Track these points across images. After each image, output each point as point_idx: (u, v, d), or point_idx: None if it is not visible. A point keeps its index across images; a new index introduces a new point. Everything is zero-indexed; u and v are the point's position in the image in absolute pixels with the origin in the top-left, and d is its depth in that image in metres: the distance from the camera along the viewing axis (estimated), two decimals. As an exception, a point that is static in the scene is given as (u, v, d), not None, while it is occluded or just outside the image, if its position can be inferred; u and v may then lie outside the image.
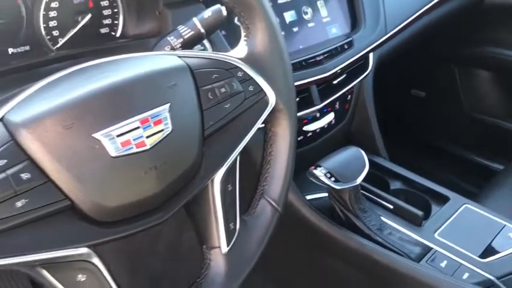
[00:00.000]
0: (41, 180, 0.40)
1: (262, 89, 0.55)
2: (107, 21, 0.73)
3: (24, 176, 0.39)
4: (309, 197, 0.86)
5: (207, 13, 0.61)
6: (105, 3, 0.72)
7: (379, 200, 0.87)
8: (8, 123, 0.40)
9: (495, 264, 0.74)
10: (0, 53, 0.64)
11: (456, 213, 0.85)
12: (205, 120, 0.50)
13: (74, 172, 0.41)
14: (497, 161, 1.38)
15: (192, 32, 0.61)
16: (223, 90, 0.52)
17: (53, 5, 0.67)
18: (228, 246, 0.54)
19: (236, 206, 0.55)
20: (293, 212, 0.83)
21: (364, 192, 0.86)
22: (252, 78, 0.55)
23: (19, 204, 0.39)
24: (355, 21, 0.97)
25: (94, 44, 0.72)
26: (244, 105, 0.54)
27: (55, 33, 0.68)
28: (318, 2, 0.92)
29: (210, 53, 0.54)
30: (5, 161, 0.39)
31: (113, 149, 0.43)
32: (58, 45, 0.68)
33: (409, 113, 1.32)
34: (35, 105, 0.42)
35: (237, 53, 0.56)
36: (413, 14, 1.06)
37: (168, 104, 0.47)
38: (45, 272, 0.41)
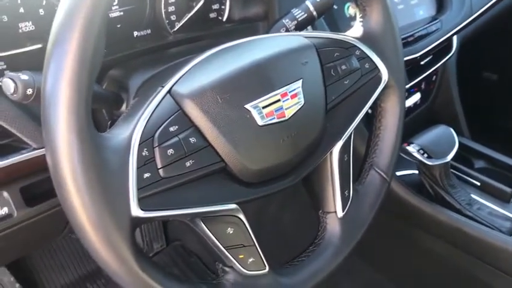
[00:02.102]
0: (204, 144, 0.46)
1: (377, 67, 0.60)
2: (215, 6, 0.79)
3: (192, 140, 0.45)
4: (398, 173, 0.90)
5: (315, -2, 0.66)
6: (214, -11, 0.78)
7: (466, 177, 0.90)
8: (175, 95, 0.46)
9: None
10: (127, 36, 0.71)
11: (544, 191, 0.86)
12: (328, 95, 0.55)
13: (229, 138, 0.47)
14: None
15: (306, 15, 0.66)
16: (343, 67, 0.57)
17: (172, -9, 0.73)
18: (343, 212, 0.59)
19: (350, 175, 0.60)
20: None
21: (451, 169, 0.89)
22: (368, 56, 0.59)
23: (188, 164, 0.45)
24: (441, 3, 1.00)
25: (204, 28, 0.77)
26: (361, 81, 0.59)
27: (173, 17, 0.74)
28: (407, -15, 0.95)
29: (331, 33, 0.59)
30: (176, 127, 0.45)
31: (259, 118, 0.48)
32: (175, 29, 0.75)
33: (485, 95, 1.32)
34: (196, 78, 0.48)
35: (354, 33, 0.61)
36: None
37: (301, 80, 0.52)
38: (202, 224, 0.48)
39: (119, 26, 0.68)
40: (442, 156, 0.81)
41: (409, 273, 0.94)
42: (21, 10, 0.59)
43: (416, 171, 0.88)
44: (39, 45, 0.62)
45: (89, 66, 0.39)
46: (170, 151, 0.44)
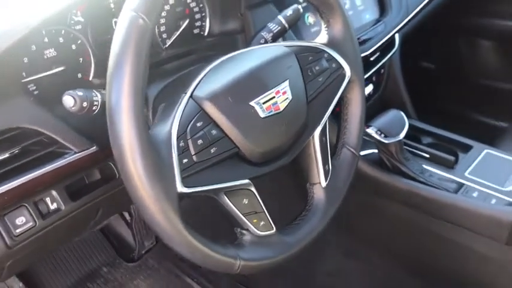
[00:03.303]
0: (222, 135, 0.60)
1: (341, 66, 0.75)
2: (198, 24, 0.92)
3: (213, 132, 0.59)
4: (361, 153, 1.06)
5: (289, 11, 0.81)
6: (196, 10, 0.91)
7: (416, 151, 1.08)
8: (196, 98, 0.60)
9: (515, 191, 0.95)
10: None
11: (480, 157, 1.05)
12: (308, 90, 0.70)
13: (239, 129, 0.61)
14: (500, 119, 1.58)
15: (279, 27, 0.80)
16: (317, 68, 0.72)
17: (163, 13, 0.86)
18: (325, 182, 0.74)
19: (328, 153, 0.75)
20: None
21: (404, 146, 1.07)
22: (334, 58, 0.75)
23: (212, 150, 0.59)
24: (382, 7, 1.17)
25: (190, 43, 0.91)
26: (331, 78, 0.74)
27: (164, 35, 0.87)
28: (354, -6, 1.12)
29: (304, 42, 0.75)
30: (201, 122, 0.59)
31: (261, 112, 0.63)
32: (166, 45, 0.88)
33: (426, 82, 1.52)
34: (209, 84, 0.61)
35: (321, 40, 0.76)
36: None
37: (288, 80, 0.67)
38: (225, 197, 0.61)
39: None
40: (396, 135, 0.98)
41: (377, 235, 1.11)
42: (46, 40, 0.71)
43: (376, 150, 1.04)
44: (62, 68, 0.73)
45: (142, 83, 0.52)
46: (199, 141, 0.58)
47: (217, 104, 0.60)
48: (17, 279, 1.19)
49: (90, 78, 0.77)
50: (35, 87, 0.71)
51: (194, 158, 0.57)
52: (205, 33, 0.94)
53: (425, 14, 1.28)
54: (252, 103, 0.62)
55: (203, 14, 0.92)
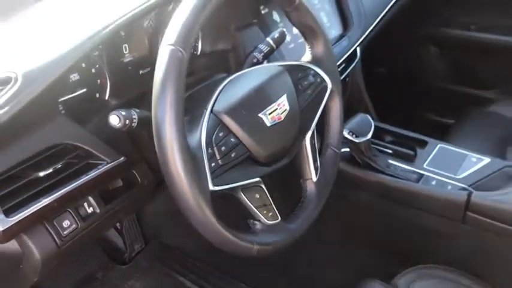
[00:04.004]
0: (238, 142, 0.73)
1: (324, 79, 0.90)
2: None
3: (232, 140, 0.72)
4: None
5: (276, 34, 0.95)
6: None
7: (382, 148, 1.24)
8: (216, 113, 0.72)
9: (466, 177, 1.12)
10: (136, 75, 0.94)
11: (435, 151, 1.22)
12: (299, 102, 0.84)
13: (252, 136, 0.74)
14: (448, 117, 1.80)
15: (268, 48, 0.94)
16: (305, 82, 0.87)
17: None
18: (316, 177, 0.88)
19: (317, 153, 0.90)
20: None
21: (372, 144, 1.23)
22: (318, 73, 0.89)
23: (232, 155, 0.72)
24: (345, 24, 1.34)
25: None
26: (317, 90, 0.89)
27: None
28: (321, 13, 1.27)
29: (292, 61, 0.89)
30: (222, 133, 0.71)
31: (268, 122, 0.76)
32: None
33: (383, 87, 1.70)
34: (225, 100, 0.74)
35: (306, 59, 0.90)
36: (381, 12, 1.44)
37: (285, 94, 0.80)
38: (241, 193, 0.74)
39: (130, 68, 0.92)
40: (365, 135, 1.14)
41: (351, 223, 1.27)
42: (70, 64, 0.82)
43: (348, 149, 1.20)
44: (84, 89, 0.84)
45: (181, 105, 0.64)
46: (223, 148, 0.71)
47: (233, 116, 0.73)
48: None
49: (106, 98, 0.88)
50: (61, 108, 0.81)
51: (219, 162, 0.70)
52: (198, 53, 1.06)
53: (380, 27, 1.46)
54: (260, 115, 0.76)
55: (196, 37, 1.05)
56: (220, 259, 1.40)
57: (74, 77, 0.82)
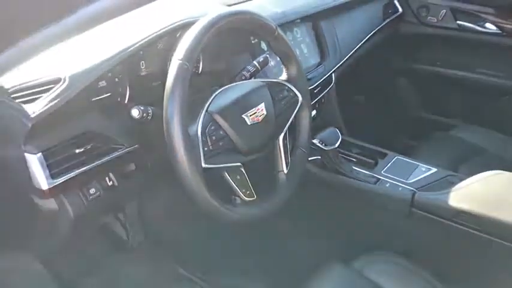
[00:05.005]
0: (225, 135, 0.98)
1: (296, 94, 1.15)
2: (194, 65, 1.30)
3: (221, 132, 0.97)
4: (310, 159, 1.46)
5: (261, 58, 1.21)
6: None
7: (347, 157, 1.49)
8: (210, 112, 0.97)
9: (414, 182, 1.36)
10: (150, 86, 1.19)
11: (392, 161, 1.46)
12: (275, 110, 1.09)
13: (236, 131, 0.99)
14: (411, 139, 2.05)
15: (254, 69, 1.20)
16: (280, 95, 1.12)
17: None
18: (286, 169, 1.13)
19: (288, 151, 1.14)
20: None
21: (340, 154, 1.48)
22: (291, 89, 1.15)
23: (220, 143, 0.96)
24: (322, 54, 1.60)
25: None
26: (289, 103, 1.14)
27: None
28: (302, 45, 1.54)
29: (271, 79, 1.14)
30: (213, 127, 0.96)
31: (249, 121, 1.01)
32: None
33: (356, 108, 1.96)
34: (216, 103, 0.99)
35: (283, 78, 1.16)
36: (355, 46, 1.71)
37: (264, 103, 1.06)
38: (226, 173, 0.99)
39: (145, 80, 1.17)
40: (333, 144, 1.38)
41: (317, 215, 1.51)
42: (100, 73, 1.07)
43: (319, 156, 1.44)
44: (109, 94, 1.09)
45: (185, 104, 0.89)
46: (213, 137, 0.95)
47: (222, 115, 0.98)
48: (38, 263, 1.48)
49: (126, 102, 1.13)
50: (93, 105, 1.06)
51: (210, 147, 0.95)
52: (199, 72, 1.32)
53: (354, 58, 1.73)
54: (243, 115, 1.01)
55: (198, 58, 1.31)
56: (213, 252, 1.63)
57: (102, 83, 1.07)
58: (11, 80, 0.91)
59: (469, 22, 1.89)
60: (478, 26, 1.88)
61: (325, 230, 1.51)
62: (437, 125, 2.05)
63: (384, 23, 1.90)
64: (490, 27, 1.86)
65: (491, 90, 1.96)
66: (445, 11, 1.92)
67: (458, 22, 1.91)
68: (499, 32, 1.85)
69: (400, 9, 1.98)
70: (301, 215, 1.52)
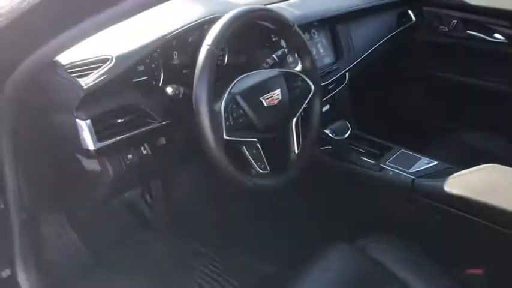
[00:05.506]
0: (244, 113, 1.13)
1: (309, 83, 1.30)
2: (221, 57, 1.46)
3: (240, 111, 1.12)
4: (321, 148, 1.60)
5: (279, 53, 1.37)
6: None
7: (356, 148, 1.63)
8: (232, 93, 1.13)
9: (415, 172, 1.48)
10: (181, 73, 1.36)
11: (397, 153, 1.59)
12: (289, 96, 1.24)
13: (253, 111, 1.14)
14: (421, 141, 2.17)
15: (273, 61, 1.35)
16: (295, 84, 1.27)
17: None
18: (298, 150, 1.27)
19: (300, 134, 1.29)
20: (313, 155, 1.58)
21: (350, 145, 1.62)
22: (305, 79, 1.30)
23: (240, 120, 1.12)
24: (337, 54, 1.75)
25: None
26: (302, 91, 1.28)
27: None
28: (318, 45, 1.69)
29: (287, 70, 1.30)
30: (235, 106, 1.12)
31: (265, 103, 1.16)
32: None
33: (367, 105, 2.10)
34: (239, 86, 1.15)
35: (298, 69, 1.31)
36: (368, 50, 1.86)
37: (279, 89, 1.21)
38: (244, 147, 1.14)
39: (176, 67, 1.33)
40: (342, 135, 1.53)
41: (326, 199, 1.64)
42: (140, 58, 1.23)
43: (330, 146, 1.58)
44: (146, 77, 1.25)
45: (212, 84, 1.05)
46: (234, 115, 1.11)
47: (243, 96, 1.14)
48: (72, 230, 1.65)
49: (160, 85, 1.29)
50: (133, 84, 1.22)
51: (232, 123, 1.10)
52: (225, 64, 1.47)
53: (367, 61, 1.87)
54: (260, 98, 1.16)
55: (223, 52, 1.47)
56: (229, 232, 1.78)
57: (141, 68, 1.24)
58: (68, 57, 1.07)
59: (478, 32, 2.01)
60: (487, 35, 2.00)
61: (331, 212, 1.64)
62: (444, 129, 2.16)
63: (397, 31, 2.04)
64: (499, 36, 1.98)
65: (499, 97, 2.07)
66: (456, 21, 2.04)
67: (468, 32, 2.03)
68: (507, 41, 1.96)
69: (414, 19, 2.11)
70: (311, 198, 1.66)
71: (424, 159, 1.55)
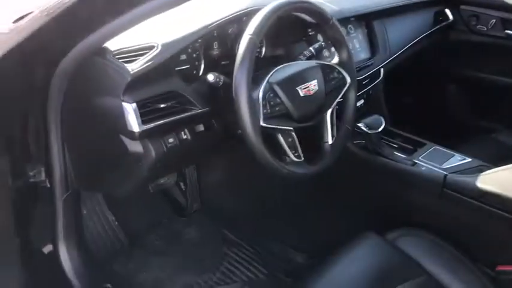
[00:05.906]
0: (280, 102, 1.16)
1: (344, 76, 1.32)
2: (258, 50, 1.50)
3: (277, 99, 1.16)
4: (355, 142, 1.63)
5: (316, 45, 1.40)
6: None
7: (389, 143, 1.64)
8: (269, 83, 1.17)
9: (448, 168, 1.49)
10: (217, 63, 1.40)
11: (430, 150, 1.60)
12: (326, 87, 1.27)
13: (289, 100, 1.17)
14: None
15: (310, 54, 1.39)
16: (331, 76, 1.30)
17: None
18: (332, 141, 1.30)
19: (334, 126, 1.32)
20: (347, 148, 1.60)
21: (382, 140, 1.63)
22: (341, 72, 1.32)
23: (277, 108, 1.15)
24: (373, 50, 1.77)
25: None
26: (339, 83, 1.31)
27: None
28: (354, 40, 1.72)
29: (324, 62, 1.33)
30: (272, 94, 1.15)
31: (301, 93, 1.20)
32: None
33: (401, 102, 2.10)
34: (276, 76, 1.18)
35: (334, 61, 1.34)
36: (404, 47, 1.87)
37: (316, 80, 1.24)
38: (279, 135, 1.18)
39: (216, 58, 1.38)
40: (376, 129, 1.55)
41: (357, 191, 1.67)
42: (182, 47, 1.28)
43: (364, 141, 1.61)
44: (187, 66, 1.31)
45: (251, 73, 1.09)
46: (271, 102, 1.15)
47: (280, 86, 1.17)
48: (110, 212, 1.73)
49: (200, 74, 1.34)
50: (176, 72, 1.27)
51: (268, 110, 1.14)
52: (262, 56, 1.52)
53: (402, 58, 1.89)
54: (297, 88, 1.20)
55: (261, 45, 1.51)
56: (260, 221, 1.82)
57: (183, 57, 1.29)
58: (116, 43, 1.13)
59: (517, 31, 2.00)
60: (526, 35, 1.98)
61: (363, 204, 1.66)
62: (478, 128, 2.15)
63: (433, 29, 2.04)
64: (538, 37, 1.96)
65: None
66: (494, 20, 2.03)
67: (506, 31, 2.01)
68: (546, 42, 1.95)
69: (451, 17, 2.11)
70: (342, 190, 1.69)
71: (457, 156, 1.56)
